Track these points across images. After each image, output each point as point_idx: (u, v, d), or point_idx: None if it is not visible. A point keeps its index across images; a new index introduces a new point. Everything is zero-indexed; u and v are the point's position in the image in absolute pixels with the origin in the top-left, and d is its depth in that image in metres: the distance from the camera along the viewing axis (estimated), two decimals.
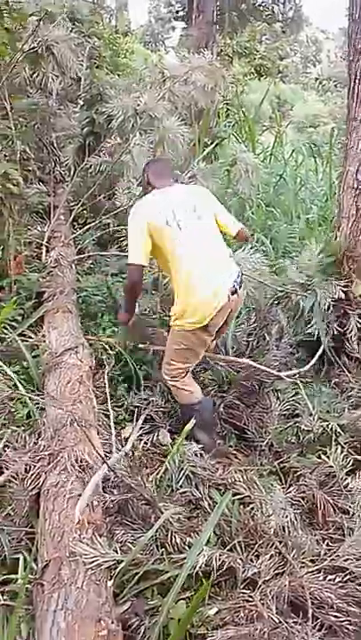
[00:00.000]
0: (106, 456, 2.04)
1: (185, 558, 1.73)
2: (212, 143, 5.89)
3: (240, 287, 2.48)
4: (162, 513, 1.85)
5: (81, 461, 1.92)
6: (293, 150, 7.20)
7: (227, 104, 7.61)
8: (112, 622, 1.41)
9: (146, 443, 2.45)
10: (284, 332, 3.19)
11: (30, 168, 4.36)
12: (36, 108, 4.51)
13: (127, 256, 2.51)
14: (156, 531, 1.77)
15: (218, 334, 2.64)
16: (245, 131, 6.86)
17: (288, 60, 21.99)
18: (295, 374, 2.83)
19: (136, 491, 1.90)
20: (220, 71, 3.99)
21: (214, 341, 2.77)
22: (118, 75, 5.84)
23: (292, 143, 8.29)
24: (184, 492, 2.12)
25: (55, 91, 4.38)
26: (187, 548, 1.80)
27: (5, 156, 3.33)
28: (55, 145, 4.71)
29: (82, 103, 4.66)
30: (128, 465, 2.08)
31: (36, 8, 3.44)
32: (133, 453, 2.24)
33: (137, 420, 2.52)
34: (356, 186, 3.07)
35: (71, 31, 4.32)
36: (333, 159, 6.27)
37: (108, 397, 2.52)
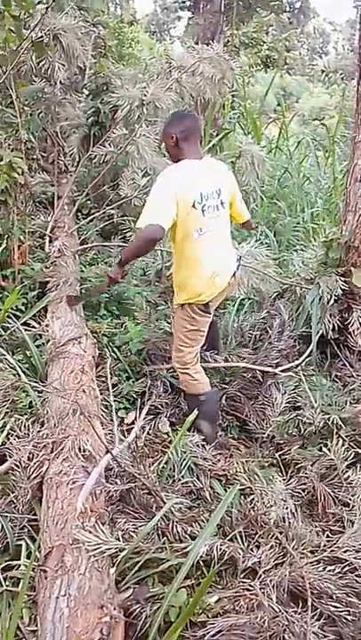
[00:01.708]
0: (108, 444, 2.06)
1: (186, 547, 1.75)
2: (217, 135, 5.86)
3: (238, 269, 2.60)
4: (164, 503, 1.87)
5: (84, 450, 1.93)
6: (298, 143, 7.16)
7: (233, 96, 7.56)
8: (114, 609, 1.43)
9: (149, 433, 2.46)
10: (286, 325, 3.19)
11: (35, 157, 4.34)
12: (42, 97, 4.49)
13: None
14: (158, 520, 1.78)
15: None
16: (251, 123, 6.82)
17: (295, 52, 21.80)
18: (289, 369, 2.83)
19: (138, 480, 1.91)
20: (227, 62, 3.96)
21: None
22: (124, 64, 5.80)
23: (297, 136, 8.24)
24: (185, 483, 2.13)
25: (60, 80, 4.35)
26: (188, 537, 1.82)
27: (10, 145, 3.31)
28: (60, 135, 4.69)
29: (87, 93, 4.63)
30: (131, 454, 2.09)
31: None
32: (136, 443, 2.25)
33: (140, 410, 2.53)
34: None
35: (78, 19, 4.29)
36: (338, 152, 6.24)
37: (110, 387, 2.53)
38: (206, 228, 2.38)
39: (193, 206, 2.34)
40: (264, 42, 11.38)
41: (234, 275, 2.54)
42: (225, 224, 2.52)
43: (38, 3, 3.43)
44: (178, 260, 2.49)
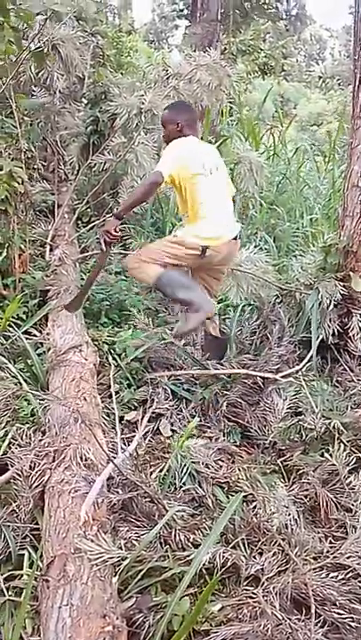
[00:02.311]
0: (110, 452, 2.06)
1: (188, 556, 1.75)
2: (215, 141, 5.89)
3: (239, 237, 2.86)
4: (166, 510, 1.86)
5: (85, 458, 1.93)
6: (297, 149, 7.19)
7: (230, 102, 7.60)
8: (117, 618, 1.42)
9: (151, 440, 2.45)
10: (286, 330, 3.20)
11: (35, 167, 4.37)
12: (41, 107, 4.52)
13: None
14: (160, 528, 1.78)
15: (210, 276, 2.94)
16: (249, 129, 6.86)
17: (292, 59, 21.94)
18: (290, 375, 2.84)
19: (140, 488, 1.91)
20: (224, 70, 3.99)
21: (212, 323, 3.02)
22: (122, 73, 5.84)
23: (295, 142, 8.28)
24: (187, 490, 2.13)
25: (59, 89, 4.39)
26: (190, 545, 1.82)
27: (10, 154, 3.34)
28: (59, 144, 4.72)
29: (86, 102, 4.67)
30: (133, 463, 2.09)
31: (42, 7, 3.44)
32: (137, 452, 2.25)
33: (142, 419, 2.53)
34: (360, 184, 3.07)
35: (76, 30, 4.33)
36: (336, 157, 6.27)
37: (114, 393, 2.53)
38: (214, 188, 2.72)
39: (203, 167, 2.69)
40: (261, 49, 11.46)
41: (235, 238, 2.80)
42: (226, 192, 2.85)
43: (37, 14, 3.46)
44: (187, 212, 2.76)
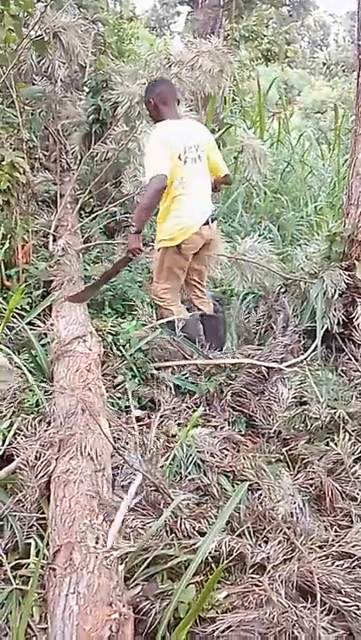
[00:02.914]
0: (115, 442, 2.06)
1: (194, 544, 1.75)
2: (218, 129, 5.84)
3: (212, 221, 2.96)
4: (172, 500, 1.87)
5: (91, 448, 1.93)
6: (301, 136, 7.13)
7: (233, 90, 7.52)
8: (123, 606, 1.43)
9: (159, 429, 2.44)
10: (290, 320, 3.18)
11: (37, 156, 4.34)
12: (42, 96, 4.48)
13: None
14: (166, 517, 1.79)
15: (198, 264, 3.10)
16: (253, 117, 6.80)
17: (295, 45, 21.66)
18: (295, 364, 2.83)
19: (147, 478, 1.91)
20: (226, 56, 3.94)
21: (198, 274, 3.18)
22: (124, 61, 5.78)
23: (299, 129, 8.20)
24: (193, 479, 2.13)
25: (61, 78, 4.35)
26: (196, 533, 1.82)
27: (11, 144, 3.31)
28: (61, 133, 4.69)
29: (88, 90, 4.62)
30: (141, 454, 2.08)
31: None
32: (144, 443, 2.24)
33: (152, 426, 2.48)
34: None
35: (77, 17, 4.27)
36: (340, 145, 6.21)
37: (117, 385, 2.53)
38: (187, 177, 2.77)
39: (178, 158, 2.72)
40: (265, 35, 11.28)
41: (208, 224, 2.89)
42: (203, 175, 2.90)
43: (38, 1, 3.42)
44: (161, 207, 2.85)
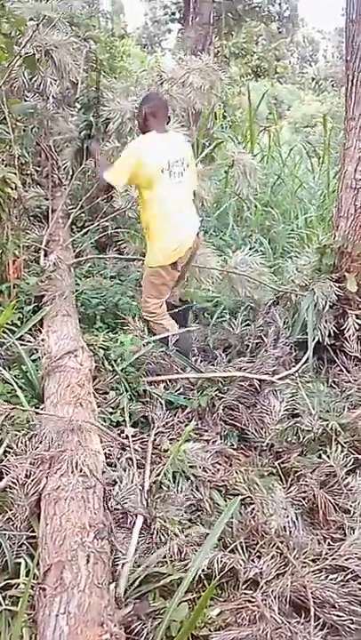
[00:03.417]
0: (107, 458, 2.05)
1: (187, 563, 1.74)
2: (209, 144, 5.90)
3: (198, 233, 3.05)
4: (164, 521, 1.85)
5: (82, 465, 1.92)
6: (291, 150, 7.21)
7: (224, 105, 7.62)
8: (115, 625, 1.41)
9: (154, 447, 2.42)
10: (282, 332, 3.20)
11: (28, 172, 4.36)
12: (34, 112, 4.51)
13: (125, 259, 2.80)
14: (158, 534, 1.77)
15: (183, 272, 3.15)
16: (243, 132, 6.88)
17: (285, 61, 22.00)
18: (286, 377, 2.84)
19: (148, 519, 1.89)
20: (216, 73, 3.99)
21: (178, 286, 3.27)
22: (115, 78, 5.84)
23: (289, 143, 8.30)
24: (185, 494, 2.11)
25: (53, 94, 4.39)
26: (188, 551, 1.81)
27: (3, 160, 3.33)
28: (53, 148, 4.71)
29: (79, 107, 4.66)
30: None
31: (34, 13, 3.45)
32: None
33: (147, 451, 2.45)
34: (354, 185, 3.07)
35: (69, 35, 4.32)
36: (330, 158, 6.28)
37: (106, 400, 2.52)
38: (172, 190, 2.83)
39: (162, 171, 2.78)
40: (254, 52, 11.47)
41: (198, 235, 3.01)
42: (188, 190, 2.99)
43: (30, 20, 3.46)
44: (147, 222, 2.95)
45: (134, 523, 1.87)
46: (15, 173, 3.15)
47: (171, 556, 1.79)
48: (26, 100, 4.53)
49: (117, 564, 1.69)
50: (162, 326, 3.05)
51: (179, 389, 2.78)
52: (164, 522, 1.89)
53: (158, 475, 2.15)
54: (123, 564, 1.69)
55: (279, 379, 2.79)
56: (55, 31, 4.08)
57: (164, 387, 2.77)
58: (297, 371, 2.91)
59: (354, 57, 3.03)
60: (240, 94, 10.64)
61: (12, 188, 3.10)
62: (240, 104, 10.12)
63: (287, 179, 6.25)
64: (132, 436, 2.42)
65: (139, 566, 1.70)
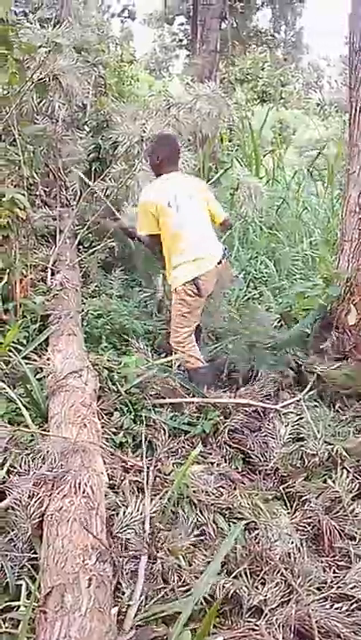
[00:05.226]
0: (110, 480, 2.03)
1: (189, 590, 1.71)
2: (216, 168, 5.98)
3: (224, 258, 3.12)
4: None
5: (85, 486, 1.90)
6: (295, 173, 7.29)
7: (230, 129, 7.75)
8: None
9: (157, 472, 2.40)
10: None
11: (37, 193, 4.42)
12: (44, 135, 4.60)
13: (131, 279, 3.33)
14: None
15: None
16: (249, 155, 6.97)
17: (290, 87, 22.39)
18: (291, 404, 2.82)
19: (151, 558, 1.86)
20: (223, 99, 4.08)
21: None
22: (124, 102, 5.96)
23: (294, 167, 8.39)
24: (188, 519, 2.09)
25: (62, 118, 4.48)
26: (192, 577, 1.78)
27: (12, 181, 3.38)
28: (61, 170, 4.79)
29: (88, 130, 4.75)
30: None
31: (44, 40, 3.56)
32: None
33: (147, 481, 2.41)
34: (357, 210, 3.11)
35: (77, 61, 4.43)
36: (335, 182, 6.35)
37: (110, 420, 2.51)
38: (184, 221, 2.96)
39: (169, 205, 2.95)
40: (260, 77, 11.69)
41: (220, 262, 3.04)
42: (200, 216, 3.08)
43: (40, 47, 3.56)
44: (167, 252, 3.08)
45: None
46: (24, 194, 3.20)
47: (173, 581, 1.76)
48: (35, 123, 4.62)
49: (120, 589, 1.67)
50: (192, 358, 3.07)
51: (183, 412, 2.76)
52: (167, 555, 1.86)
53: (162, 498, 2.12)
54: (128, 606, 1.66)
55: (283, 406, 2.77)
56: (64, 57, 4.18)
57: (171, 410, 2.75)
58: (302, 397, 2.89)
59: (358, 85, 3.10)
60: (246, 119, 10.80)
61: (20, 209, 3.14)
62: (246, 128, 10.27)
63: (292, 202, 6.31)
64: (135, 458, 2.41)
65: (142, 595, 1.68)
